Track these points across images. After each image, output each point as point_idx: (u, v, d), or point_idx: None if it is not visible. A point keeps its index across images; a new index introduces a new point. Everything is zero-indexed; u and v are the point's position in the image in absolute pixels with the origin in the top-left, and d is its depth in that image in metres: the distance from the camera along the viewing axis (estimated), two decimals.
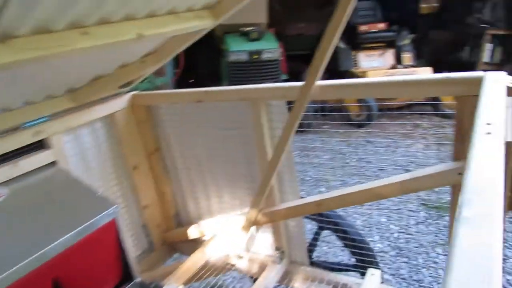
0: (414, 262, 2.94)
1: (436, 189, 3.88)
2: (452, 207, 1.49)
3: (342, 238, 2.04)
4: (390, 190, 1.56)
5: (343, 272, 2.07)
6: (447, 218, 3.37)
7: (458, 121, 1.41)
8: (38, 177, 1.69)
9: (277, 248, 2.05)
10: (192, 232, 2.33)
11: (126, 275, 1.63)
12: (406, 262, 2.95)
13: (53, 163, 1.77)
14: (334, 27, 1.43)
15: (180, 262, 2.14)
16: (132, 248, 2.30)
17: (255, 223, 1.98)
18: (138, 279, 1.62)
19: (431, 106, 5.88)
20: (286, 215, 1.91)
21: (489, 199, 0.62)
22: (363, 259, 1.98)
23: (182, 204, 2.43)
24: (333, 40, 1.45)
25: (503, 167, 0.71)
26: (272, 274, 1.96)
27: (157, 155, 2.29)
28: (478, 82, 1.24)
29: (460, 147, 1.42)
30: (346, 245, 2.05)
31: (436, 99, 5.54)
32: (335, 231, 2.03)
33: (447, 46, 7.25)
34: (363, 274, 1.94)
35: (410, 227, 3.37)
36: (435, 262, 2.92)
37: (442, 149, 4.81)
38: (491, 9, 6.74)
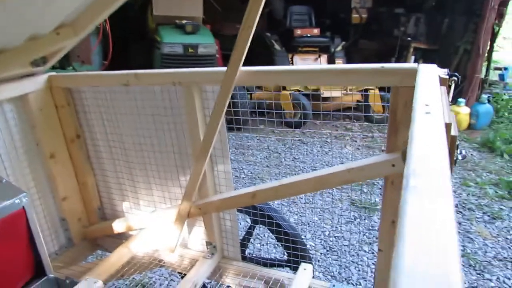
0: (344, 260, 2.99)
1: (365, 190, 4.03)
2: (384, 199, 1.49)
3: (275, 232, 1.99)
4: (325, 181, 1.53)
5: (276, 268, 2.02)
6: (375, 218, 3.50)
7: (391, 112, 1.40)
8: None
9: (209, 243, 1.96)
10: (118, 227, 2.14)
11: (39, 271, 1.44)
12: (336, 260, 2.99)
13: None
14: (255, 10, 1.39)
15: (103, 259, 1.96)
16: (50, 243, 2.09)
17: (188, 216, 1.87)
18: (51, 275, 1.45)
19: (362, 112, 6.13)
20: (220, 207, 1.82)
21: (435, 168, 0.58)
22: (296, 253, 1.95)
23: (106, 197, 2.25)
24: (254, 23, 1.42)
25: (445, 143, 0.69)
26: (203, 269, 1.86)
27: (78, 143, 2.09)
28: (413, 73, 1.25)
29: (394, 139, 1.41)
30: (279, 239, 2.00)
31: (367, 105, 5.78)
32: (269, 224, 1.98)
33: (375, 55, 7.64)
34: (295, 269, 1.91)
35: (341, 226, 3.43)
36: (362, 260, 2.99)
37: (371, 152, 5.02)
38: (414, 23, 7.20)
